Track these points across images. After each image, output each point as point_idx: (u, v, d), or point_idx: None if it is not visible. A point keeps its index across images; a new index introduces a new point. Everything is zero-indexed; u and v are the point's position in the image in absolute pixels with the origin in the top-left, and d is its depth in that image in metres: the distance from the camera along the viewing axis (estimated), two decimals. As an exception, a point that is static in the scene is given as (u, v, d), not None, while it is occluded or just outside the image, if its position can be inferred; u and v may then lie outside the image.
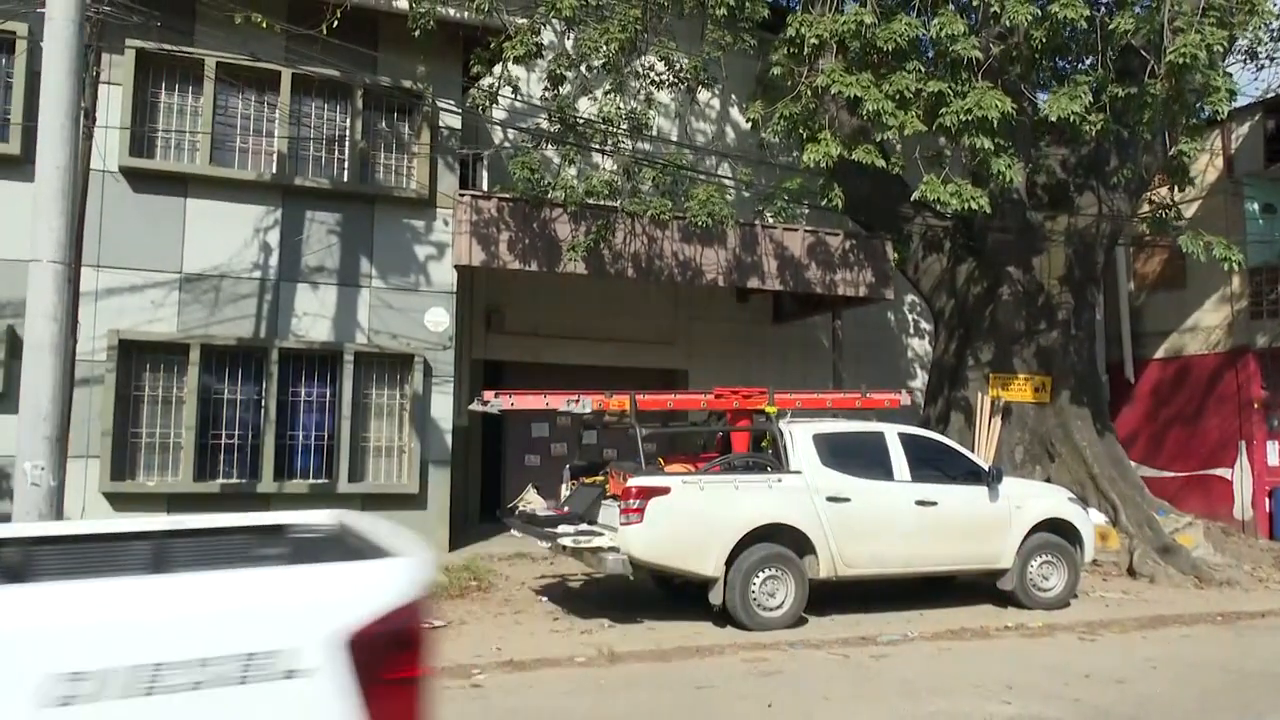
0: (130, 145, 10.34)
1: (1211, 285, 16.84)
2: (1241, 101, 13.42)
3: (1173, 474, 17.14)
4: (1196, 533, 12.80)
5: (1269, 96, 16.05)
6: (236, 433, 10.80)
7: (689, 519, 8.16)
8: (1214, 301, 16.93)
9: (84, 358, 9.57)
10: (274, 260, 11.00)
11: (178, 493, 10.33)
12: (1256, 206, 16.45)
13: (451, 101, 11.80)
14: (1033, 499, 9.66)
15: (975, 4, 11.01)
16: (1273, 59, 14.37)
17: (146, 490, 10.25)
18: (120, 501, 10.11)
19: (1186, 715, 6.29)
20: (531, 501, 9.49)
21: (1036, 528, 9.45)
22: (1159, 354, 17.81)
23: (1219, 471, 16.62)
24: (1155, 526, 12.27)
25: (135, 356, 10.41)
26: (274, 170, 11.02)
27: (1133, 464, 14.43)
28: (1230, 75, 10.84)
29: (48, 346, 7.28)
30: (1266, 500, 16.07)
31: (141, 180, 10.46)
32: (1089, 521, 9.96)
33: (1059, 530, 9.60)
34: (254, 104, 11.06)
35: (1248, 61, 12.49)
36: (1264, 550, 14.39)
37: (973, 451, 11.34)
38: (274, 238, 11.00)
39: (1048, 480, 12.05)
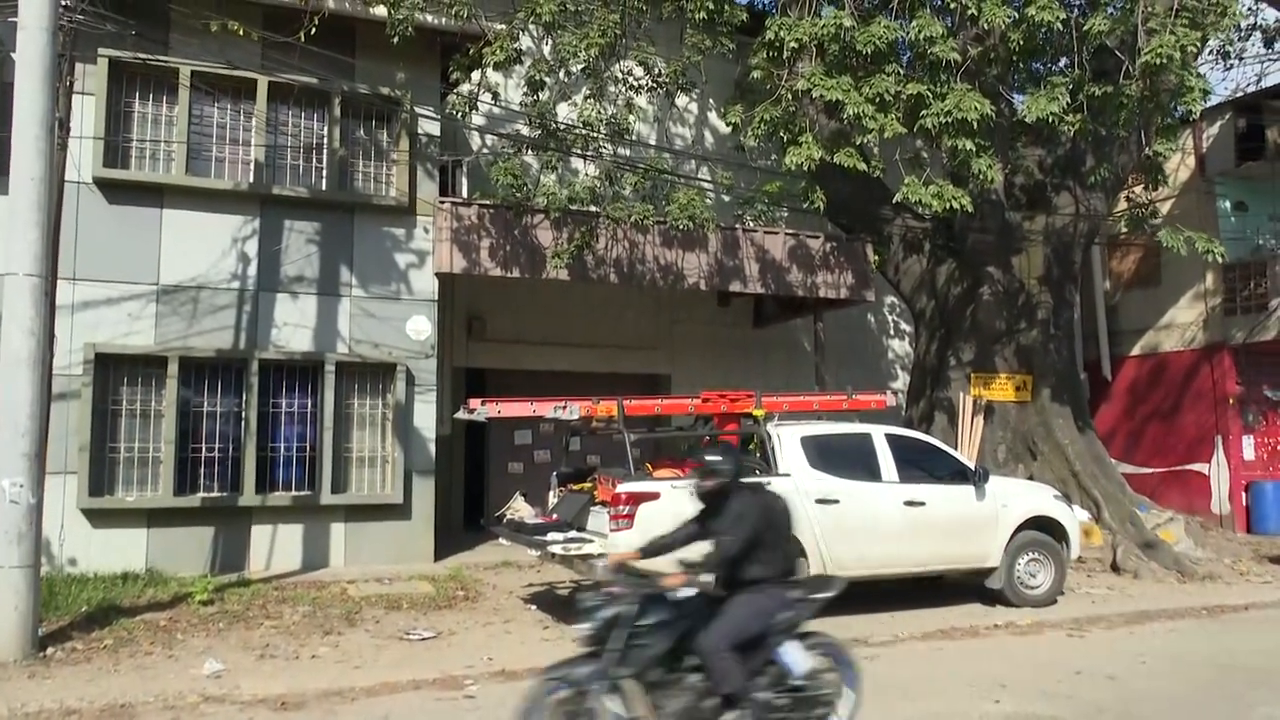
0: (104, 156, 10.20)
1: (1186, 283, 17.06)
2: (1212, 101, 13.60)
3: (1151, 470, 17.32)
4: (1178, 528, 12.93)
5: (1239, 96, 16.30)
6: (217, 446, 10.66)
7: (679, 524, 8.11)
8: (1188, 299, 17.14)
9: (60, 372, 9.39)
10: (253, 270, 10.87)
11: (158, 508, 10.18)
12: (1228, 204, 16.69)
13: (430, 108, 11.74)
14: (1018, 497, 9.71)
15: (952, 6, 11.08)
16: (1240, 59, 14.61)
17: (125, 506, 10.09)
18: (99, 518, 9.95)
19: (1180, 709, 6.33)
20: (519, 509, 9.42)
21: (1023, 526, 9.50)
22: (1135, 351, 18.01)
23: (1196, 467, 16.81)
24: (1137, 522, 12.39)
25: (112, 370, 10.26)
26: (251, 179, 10.90)
27: (1113, 461, 14.56)
28: (1203, 76, 10.96)
29: (25, 361, 7.18)
30: (1243, 494, 16.28)
31: (116, 191, 10.32)
32: (1074, 519, 10.02)
33: (1045, 528, 9.65)
34: (230, 113, 10.94)
35: (1219, 61, 12.67)
36: (1242, 544, 14.57)
37: (956, 451, 11.39)
38: (252, 248, 10.88)
39: (1030, 478, 12.13)
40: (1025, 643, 8.37)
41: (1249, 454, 16.48)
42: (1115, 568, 11.58)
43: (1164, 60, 9.90)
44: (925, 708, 6.25)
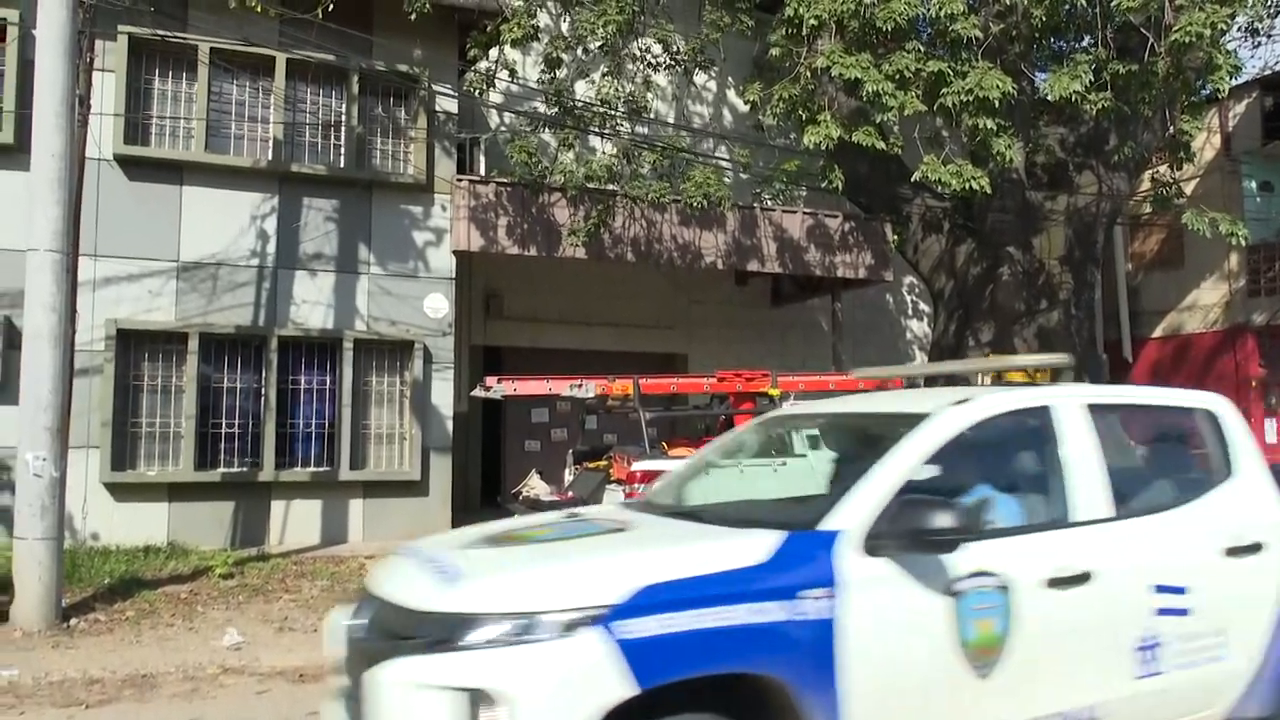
0: (125, 133, 10.25)
1: (1209, 264, 16.87)
2: (1239, 79, 13.39)
3: (1170, 453, 17.18)
4: (1196, 511, 12.84)
5: (1266, 74, 16.04)
6: (237, 421, 10.76)
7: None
8: (1212, 280, 16.96)
9: (82, 348, 9.49)
10: (271, 247, 10.93)
11: (179, 482, 10.30)
12: (1254, 184, 16.47)
13: (448, 85, 11.72)
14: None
15: (974, -18, 10.95)
16: (1270, 36, 14.34)
17: (147, 480, 10.22)
18: (121, 491, 10.08)
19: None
20: (535, 487, 9.49)
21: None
22: (1157, 333, 17.85)
23: (1216, 450, 16.67)
24: (1155, 505, 12.30)
25: (134, 346, 10.36)
26: (270, 157, 10.94)
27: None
28: (1232, 53, 10.78)
29: (47, 336, 7.25)
30: (1264, 478, 16.14)
31: (136, 168, 10.38)
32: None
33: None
34: (249, 90, 10.96)
35: (1248, 39, 12.45)
36: (1262, 527, 14.45)
37: (974, 432, 11.34)
38: (271, 225, 10.93)
39: (1048, 460, 12.06)
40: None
41: (1271, 437, 16.34)
42: (1132, 550, 11.52)
43: (1194, 38, 9.74)
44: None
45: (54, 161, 7.30)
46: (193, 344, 10.41)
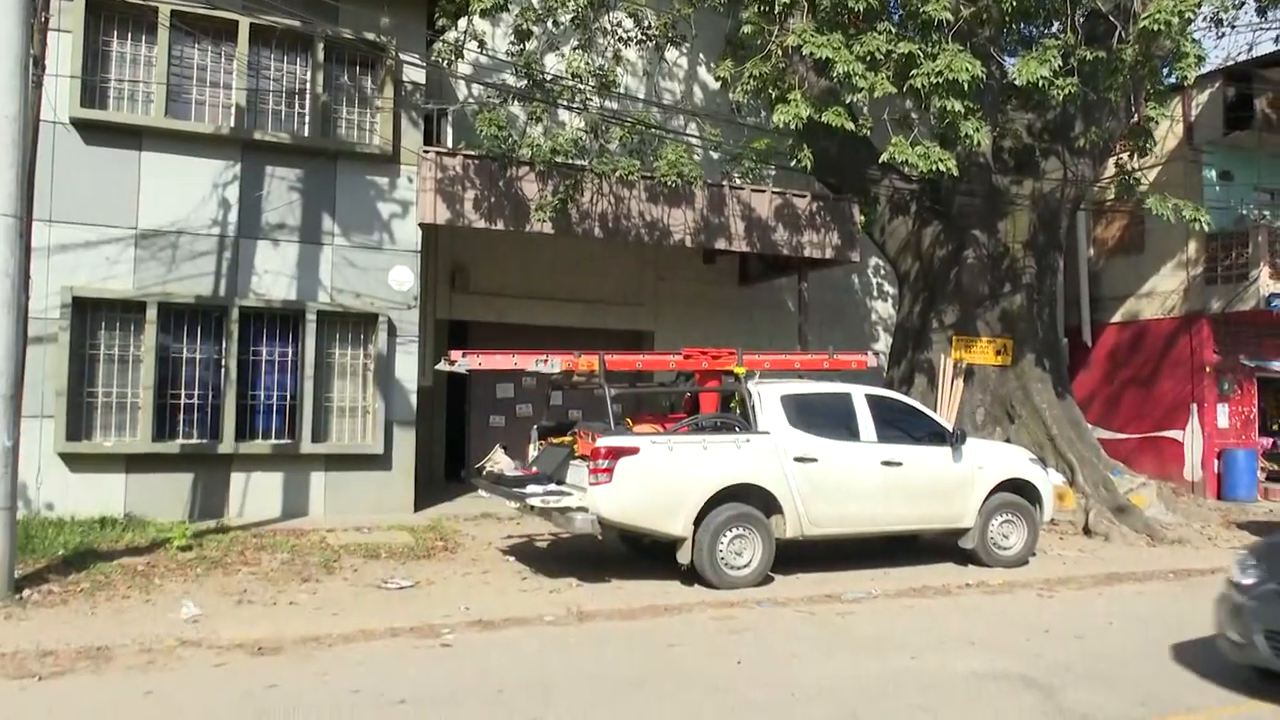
0: (81, 95, 10.01)
1: (1168, 251, 17.14)
2: (1203, 69, 13.54)
3: (1127, 436, 17.53)
4: (1149, 493, 13.12)
5: (1229, 65, 16.25)
6: (196, 392, 10.61)
7: (658, 479, 8.17)
8: (1170, 267, 17.23)
9: (37, 315, 9.29)
10: (233, 216, 10.75)
11: (136, 453, 10.14)
12: (1214, 173, 16.71)
13: (415, 55, 11.54)
14: (994, 460, 9.81)
15: (946, -36, 10.94)
16: (1233, 26, 14.51)
17: (103, 451, 10.05)
18: (77, 462, 9.92)
19: (1143, 668, 6.46)
20: (499, 462, 9.44)
21: (998, 488, 9.61)
22: (1116, 318, 18.13)
23: (1171, 433, 17.02)
24: (1110, 487, 12.55)
25: (90, 314, 10.16)
26: (232, 124, 10.73)
27: (1089, 426, 14.72)
28: (1198, 42, 10.91)
29: (0, 303, 7.08)
30: (1216, 461, 16.52)
31: (94, 132, 10.14)
32: (1048, 482, 10.14)
33: (1019, 490, 9.77)
34: (210, 54, 10.73)
35: (1212, 28, 12.59)
36: (1212, 509, 14.82)
37: (935, 413, 11.47)
38: (233, 193, 10.74)
39: (1007, 441, 12.24)
40: (996, 602, 8.50)
41: (1223, 422, 16.70)
42: (1087, 530, 11.76)
43: (1161, 26, 9.84)
44: (895, 664, 6.36)
45: (7, 124, 7.10)
46: (151, 313, 10.23)
